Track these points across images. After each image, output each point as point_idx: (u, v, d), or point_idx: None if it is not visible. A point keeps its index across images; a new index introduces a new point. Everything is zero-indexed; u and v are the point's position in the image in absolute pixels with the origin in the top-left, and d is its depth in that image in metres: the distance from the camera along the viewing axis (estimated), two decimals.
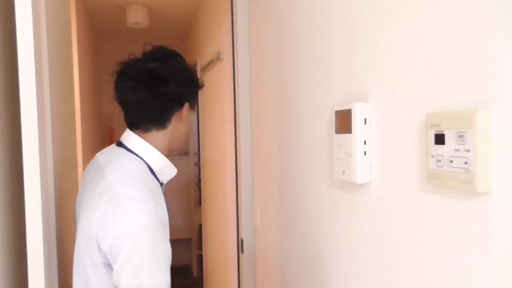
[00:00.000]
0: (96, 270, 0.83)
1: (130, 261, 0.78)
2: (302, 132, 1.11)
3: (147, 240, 0.79)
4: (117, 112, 3.99)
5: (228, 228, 2.25)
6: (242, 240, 1.67)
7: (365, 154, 0.80)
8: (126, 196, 0.81)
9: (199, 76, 1.08)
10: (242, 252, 1.67)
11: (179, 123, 0.99)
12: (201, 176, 3.30)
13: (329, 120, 0.95)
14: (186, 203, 4.14)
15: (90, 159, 1.02)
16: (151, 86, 0.92)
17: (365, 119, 0.79)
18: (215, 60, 2.35)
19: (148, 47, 0.98)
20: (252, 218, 1.63)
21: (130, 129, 0.97)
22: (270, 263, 1.45)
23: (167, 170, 0.98)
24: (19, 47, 0.84)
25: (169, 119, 0.96)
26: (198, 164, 3.73)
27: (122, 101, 0.96)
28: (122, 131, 1.00)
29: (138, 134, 0.95)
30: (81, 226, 0.87)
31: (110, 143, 1.03)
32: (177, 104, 0.97)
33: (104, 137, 3.86)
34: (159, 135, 0.96)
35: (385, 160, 0.75)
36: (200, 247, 3.55)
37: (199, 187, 3.64)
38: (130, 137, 0.95)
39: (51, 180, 0.98)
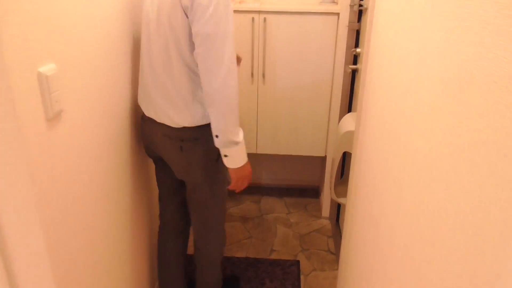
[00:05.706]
0: None
1: None
2: None
3: None
4: None
5: None
6: None
7: None
8: None
9: None
10: None
11: None
12: (360, 55, 1.72)
13: None
14: (318, 104, 2.13)
15: None
16: None
17: None
18: None
19: None
20: None
21: None
22: None
23: None
24: None
25: None
26: (356, 29, 1.83)
27: None
28: None
29: None
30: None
31: None
32: None
33: None
34: None
35: None
36: (336, 189, 1.80)
37: (352, 76, 1.97)
38: None
39: None
